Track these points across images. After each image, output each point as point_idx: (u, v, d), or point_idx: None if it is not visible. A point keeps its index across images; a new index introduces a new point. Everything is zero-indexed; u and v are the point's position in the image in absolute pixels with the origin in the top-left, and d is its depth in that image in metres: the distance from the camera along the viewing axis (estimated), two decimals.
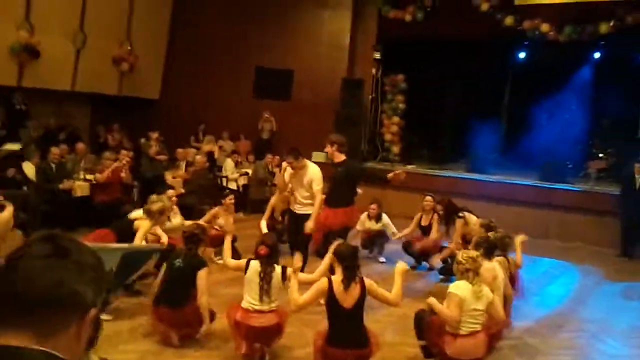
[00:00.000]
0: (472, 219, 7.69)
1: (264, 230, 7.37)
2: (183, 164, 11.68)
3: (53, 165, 9.59)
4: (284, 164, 7.31)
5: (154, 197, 7.06)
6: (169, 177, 11.18)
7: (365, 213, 8.85)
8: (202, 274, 5.29)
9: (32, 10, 11.88)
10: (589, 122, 13.29)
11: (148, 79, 14.81)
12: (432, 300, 5.01)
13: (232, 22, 14.61)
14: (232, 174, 12.34)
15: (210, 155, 12.91)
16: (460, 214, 7.79)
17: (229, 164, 12.45)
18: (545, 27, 12.18)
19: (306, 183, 7.08)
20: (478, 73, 14.03)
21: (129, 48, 13.98)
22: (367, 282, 4.69)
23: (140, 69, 14.30)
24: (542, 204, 11.46)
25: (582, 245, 10.80)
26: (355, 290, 4.59)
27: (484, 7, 12.63)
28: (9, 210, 1.78)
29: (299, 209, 7.22)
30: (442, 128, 15.10)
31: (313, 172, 7.10)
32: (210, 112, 14.54)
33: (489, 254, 5.70)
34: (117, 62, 13.83)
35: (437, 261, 8.29)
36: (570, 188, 11.60)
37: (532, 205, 11.48)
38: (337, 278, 4.64)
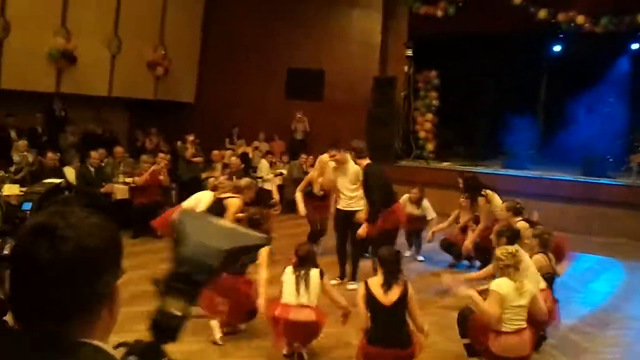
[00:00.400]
0: (496, 199, 7.39)
1: (300, 203, 7.34)
2: (219, 166, 11.77)
3: (92, 170, 9.76)
4: (324, 157, 7.25)
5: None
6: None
7: (407, 196, 8.55)
8: (262, 252, 5.33)
9: (68, 17, 12.13)
10: (628, 115, 12.99)
11: (182, 82, 14.99)
12: (474, 294, 4.90)
13: (263, 24, 14.69)
14: (267, 174, 12.39)
15: (244, 156, 12.99)
16: (483, 192, 7.39)
17: (264, 165, 12.52)
18: (580, 18, 11.96)
19: (351, 176, 7.03)
20: (512, 67, 13.84)
21: (163, 52, 14.17)
22: (410, 290, 4.72)
23: (174, 73, 14.49)
24: (584, 200, 11.24)
25: (627, 241, 10.56)
26: (396, 290, 4.63)
27: (517, 0, 12.44)
28: None
29: (347, 206, 7.13)
30: (477, 124, 14.92)
31: (355, 165, 7.06)
32: (243, 114, 14.64)
33: (512, 243, 5.44)
34: (152, 66, 14.03)
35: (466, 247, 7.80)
36: (613, 182, 11.37)
37: (574, 201, 11.27)
38: (376, 280, 4.71)
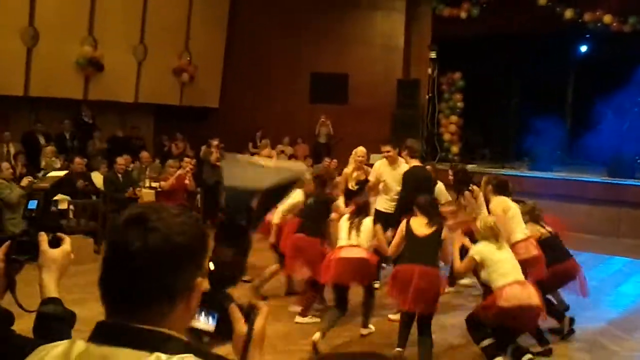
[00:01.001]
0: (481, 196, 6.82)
1: (341, 205, 6.87)
2: None
3: (119, 175, 9.90)
4: (360, 149, 7.13)
5: None
6: None
7: None
8: (337, 203, 6.21)
9: (95, 26, 12.34)
10: None
11: (207, 88, 15.12)
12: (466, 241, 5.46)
13: (286, 30, 14.75)
14: None
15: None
16: (470, 187, 6.75)
17: None
18: (607, 18, 11.79)
19: (400, 176, 6.79)
20: (538, 68, 13.69)
21: (188, 59, 14.33)
22: (446, 232, 5.34)
23: (199, 79, 14.63)
24: (612, 201, 11.05)
25: None
26: (432, 228, 5.24)
27: (542, 0, 12.32)
28: (67, 243, 1.76)
29: (388, 208, 6.85)
30: (503, 126, 14.78)
31: (406, 165, 6.87)
32: (267, 118, 14.71)
33: (498, 191, 5.97)
34: (177, 73, 14.19)
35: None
36: None
37: (601, 203, 11.08)
38: (418, 220, 5.33)
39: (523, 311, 4.86)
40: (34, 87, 11.62)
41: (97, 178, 10.11)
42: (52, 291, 1.67)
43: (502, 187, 6.07)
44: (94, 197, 9.50)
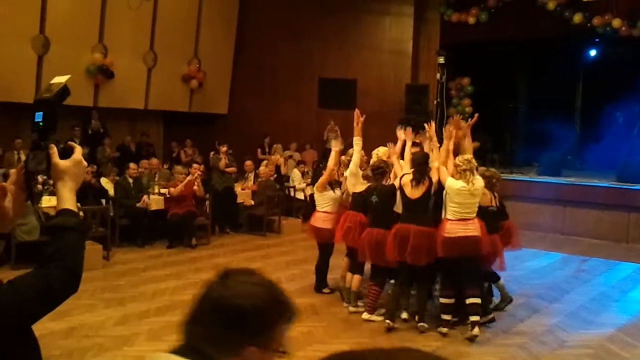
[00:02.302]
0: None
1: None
2: (251, 176, 11.90)
3: (131, 181, 9.97)
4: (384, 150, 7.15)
5: None
6: (238, 188, 11.42)
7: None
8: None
9: (106, 33, 12.46)
10: None
11: (216, 94, 15.20)
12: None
13: (295, 35, 14.81)
14: (300, 184, 12.46)
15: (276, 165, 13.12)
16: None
17: (296, 174, 12.60)
18: (616, 22, 11.75)
19: None
20: (547, 73, 13.67)
21: (197, 65, 14.41)
22: (434, 182, 6.00)
23: (208, 85, 14.72)
24: (621, 206, 10.98)
25: None
26: (422, 188, 5.98)
27: (551, 5, 12.30)
28: (78, 152, 1.72)
29: None
30: (512, 131, 14.75)
31: None
32: (276, 124, 14.76)
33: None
34: (186, 79, 14.29)
35: None
36: None
37: (611, 208, 11.02)
38: (406, 177, 6.04)
39: (464, 241, 5.82)
40: None
41: (107, 185, 10.18)
42: (67, 201, 1.63)
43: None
44: (102, 202, 9.56)
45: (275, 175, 12.41)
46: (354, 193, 6.78)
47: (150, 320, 6.31)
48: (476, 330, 5.88)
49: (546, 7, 12.35)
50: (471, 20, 13.32)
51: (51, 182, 9.36)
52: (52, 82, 1.77)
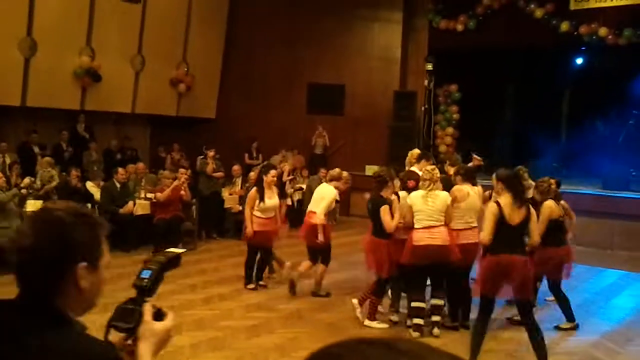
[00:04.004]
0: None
1: None
2: (239, 181, 11.86)
3: (118, 185, 9.91)
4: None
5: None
6: (225, 193, 11.38)
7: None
8: (383, 210, 6.27)
9: (93, 36, 12.38)
10: None
11: (204, 99, 15.16)
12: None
13: (284, 40, 14.80)
14: (288, 189, 12.42)
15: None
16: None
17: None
18: (603, 31, 11.86)
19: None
20: (535, 81, 13.76)
21: (185, 69, 14.36)
22: (532, 210, 5.40)
23: (196, 89, 14.66)
24: (606, 214, 11.06)
25: None
26: (522, 212, 5.28)
27: (538, 13, 12.40)
28: (170, 319, 1.67)
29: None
30: (499, 138, 14.84)
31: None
32: (264, 129, 14.73)
33: (465, 179, 6.60)
34: (174, 83, 14.23)
35: None
36: (636, 196, 11.18)
37: (596, 215, 11.08)
38: (505, 200, 5.28)
39: (431, 249, 5.99)
40: (31, 97, 11.64)
41: (92, 189, 10.11)
42: None
43: (468, 176, 6.73)
44: (88, 206, 9.49)
45: None
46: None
47: None
48: (436, 330, 6.21)
49: (534, 16, 12.45)
50: (459, 27, 13.40)
51: (35, 185, 9.31)
52: (168, 250, 1.85)
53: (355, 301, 6.65)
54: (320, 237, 7.21)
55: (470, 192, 6.49)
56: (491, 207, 5.38)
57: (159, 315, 1.66)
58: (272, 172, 7.80)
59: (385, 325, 6.54)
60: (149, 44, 13.41)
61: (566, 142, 14.42)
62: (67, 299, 1.47)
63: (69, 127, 12.62)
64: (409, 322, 6.36)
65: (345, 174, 7.79)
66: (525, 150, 13.02)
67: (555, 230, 6.39)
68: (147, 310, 1.64)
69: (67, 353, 1.38)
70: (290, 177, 11.84)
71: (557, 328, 6.62)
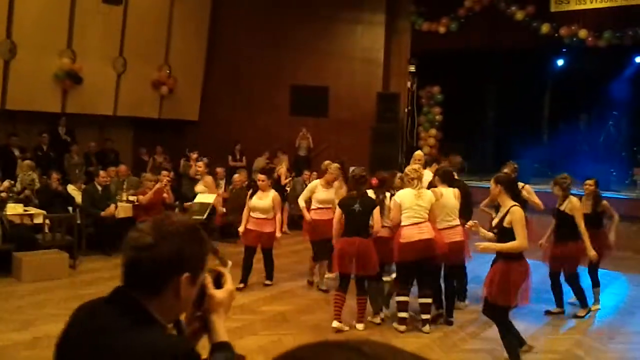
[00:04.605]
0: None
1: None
2: (222, 183, 11.81)
3: (100, 188, 9.82)
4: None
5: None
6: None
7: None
8: (376, 211, 6.33)
9: (74, 38, 12.27)
10: (632, 128, 12.96)
11: (187, 101, 15.08)
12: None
13: (267, 42, 14.79)
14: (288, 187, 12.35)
15: (249, 173, 13.03)
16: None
17: None
18: (583, 33, 12.00)
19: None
20: (516, 82, 13.87)
21: (167, 72, 14.28)
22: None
23: (179, 91, 14.59)
24: None
25: (632, 255, 10.47)
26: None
27: (519, 15, 12.52)
28: (229, 281, 1.69)
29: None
30: (481, 139, 14.93)
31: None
32: (247, 131, 14.71)
33: (443, 181, 6.78)
34: (156, 85, 14.14)
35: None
36: (616, 196, 11.29)
37: None
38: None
39: (420, 243, 6.13)
40: (11, 100, 11.52)
41: (74, 192, 10.01)
42: (222, 335, 1.65)
43: (445, 177, 6.87)
44: (70, 209, 9.40)
45: (247, 183, 12.32)
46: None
47: None
48: (426, 327, 6.32)
49: (515, 18, 12.57)
50: (441, 29, 13.49)
51: (15, 189, 9.18)
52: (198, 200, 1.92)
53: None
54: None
55: (443, 192, 6.66)
56: (520, 211, 5.39)
57: (218, 280, 1.69)
58: (260, 176, 8.03)
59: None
60: (131, 46, 13.31)
61: (547, 142, 14.55)
62: (162, 304, 1.54)
63: (49, 130, 12.48)
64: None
65: (328, 164, 8.17)
66: (507, 151, 13.08)
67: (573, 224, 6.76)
68: (208, 282, 1.67)
69: (149, 346, 1.46)
70: (289, 179, 11.73)
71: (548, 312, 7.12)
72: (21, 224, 8.53)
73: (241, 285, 7.69)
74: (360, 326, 6.46)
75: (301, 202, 8.06)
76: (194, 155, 11.89)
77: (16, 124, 12.35)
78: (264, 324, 6.58)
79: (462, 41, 13.23)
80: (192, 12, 14.62)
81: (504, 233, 5.35)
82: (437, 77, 13.99)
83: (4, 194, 8.58)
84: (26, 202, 9.14)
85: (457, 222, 6.66)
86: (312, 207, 7.90)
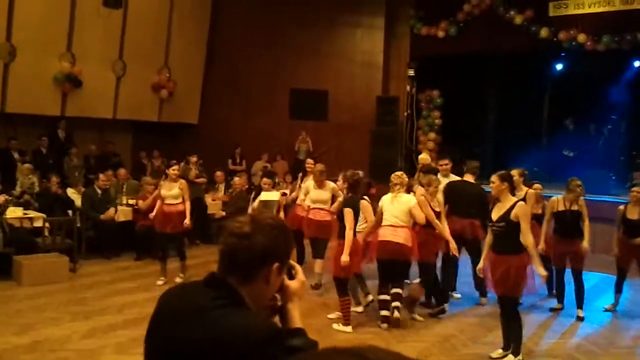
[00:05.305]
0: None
1: None
2: (222, 186, 11.82)
3: (99, 192, 9.82)
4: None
5: None
6: (208, 199, 11.32)
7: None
8: (346, 211, 6.50)
9: (74, 41, 12.27)
10: (631, 132, 12.99)
11: (187, 104, 15.08)
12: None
13: (266, 46, 14.80)
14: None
15: (248, 177, 13.03)
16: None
17: None
18: (582, 37, 12.03)
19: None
20: (515, 86, 13.90)
21: (167, 75, 14.28)
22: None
23: (179, 95, 14.58)
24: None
25: None
26: None
27: (518, 20, 12.55)
28: (300, 272, 1.83)
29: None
30: (480, 142, 14.95)
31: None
32: (247, 134, 14.71)
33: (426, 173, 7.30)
34: (156, 89, 14.14)
35: None
36: (616, 200, 11.31)
37: None
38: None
39: (392, 245, 6.51)
40: (11, 103, 11.51)
41: (73, 195, 10.01)
42: (297, 322, 1.79)
43: (429, 170, 7.49)
44: (69, 213, 9.39)
45: (247, 186, 12.32)
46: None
47: (117, 334, 6.18)
48: (396, 314, 6.68)
49: (514, 22, 12.60)
50: (441, 33, 13.52)
51: (15, 192, 9.18)
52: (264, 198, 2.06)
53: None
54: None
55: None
56: (526, 206, 5.86)
57: (290, 272, 1.82)
58: (265, 180, 8.35)
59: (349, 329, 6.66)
60: (131, 49, 13.31)
61: (547, 145, 14.57)
62: (253, 291, 1.68)
63: (49, 133, 12.47)
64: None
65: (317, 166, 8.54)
66: (506, 154, 13.13)
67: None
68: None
69: (244, 325, 1.58)
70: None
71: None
72: (21, 227, 8.52)
73: None
74: (348, 328, 6.59)
75: (299, 200, 8.51)
76: (194, 159, 11.90)
77: (16, 127, 12.33)
78: None
79: (461, 45, 13.27)
80: (192, 16, 14.63)
81: (512, 226, 5.58)
82: (436, 81, 14.02)
83: (2, 198, 8.57)
84: (26, 206, 9.13)
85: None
86: (310, 206, 8.18)
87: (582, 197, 7.49)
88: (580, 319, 7.18)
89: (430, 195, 6.95)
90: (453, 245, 6.89)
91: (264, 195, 8.54)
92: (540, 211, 7.87)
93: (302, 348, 1.66)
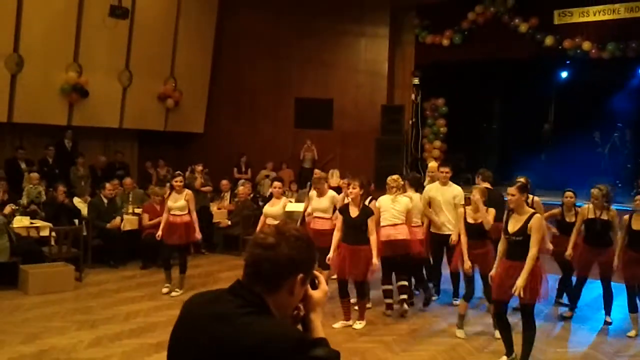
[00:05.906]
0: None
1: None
2: (227, 195, 11.85)
3: (105, 201, 9.85)
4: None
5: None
6: (214, 208, 11.35)
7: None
8: (371, 220, 6.78)
9: (81, 52, 12.35)
10: (637, 139, 12.95)
11: (192, 113, 15.14)
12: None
13: (272, 55, 14.87)
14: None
15: (253, 185, 13.06)
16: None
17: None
18: (586, 45, 12.04)
19: (452, 198, 7.85)
20: (520, 94, 13.90)
21: (173, 84, 14.36)
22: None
23: (184, 104, 14.66)
24: None
25: None
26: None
27: (523, 28, 12.57)
28: (323, 281, 1.86)
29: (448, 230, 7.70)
30: (486, 150, 14.94)
31: (457, 186, 8.15)
32: (252, 143, 14.76)
33: (412, 186, 7.83)
34: (162, 98, 14.21)
35: None
36: (622, 208, 11.26)
37: None
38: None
39: (396, 242, 7.04)
40: (18, 113, 11.58)
41: (80, 204, 10.04)
42: (320, 331, 1.81)
43: (413, 183, 7.90)
44: (75, 222, 9.42)
45: (252, 195, 12.36)
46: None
47: (123, 343, 6.19)
48: (405, 306, 7.31)
49: (518, 30, 12.63)
50: (445, 42, 13.55)
51: (21, 202, 9.21)
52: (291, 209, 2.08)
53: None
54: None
55: (412, 197, 7.56)
56: (541, 219, 5.74)
57: (313, 282, 1.83)
58: (276, 183, 8.49)
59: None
60: (137, 59, 13.40)
61: (552, 153, 14.55)
62: (277, 301, 1.69)
63: (55, 143, 12.54)
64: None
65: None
66: (511, 162, 13.11)
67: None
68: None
69: (270, 332, 1.59)
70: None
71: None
72: (28, 236, 8.56)
73: None
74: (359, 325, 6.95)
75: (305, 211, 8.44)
76: (199, 168, 11.93)
77: (23, 137, 12.41)
78: None
79: (466, 53, 13.29)
80: (198, 26, 14.71)
81: (529, 237, 5.52)
82: (441, 89, 14.04)
83: (10, 208, 8.61)
84: (33, 215, 9.18)
85: (421, 222, 7.79)
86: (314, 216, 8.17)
87: (612, 207, 7.56)
88: (607, 323, 7.30)
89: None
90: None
91: (290, 207, 8.58)
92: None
93: (326, 358, 1.67)
